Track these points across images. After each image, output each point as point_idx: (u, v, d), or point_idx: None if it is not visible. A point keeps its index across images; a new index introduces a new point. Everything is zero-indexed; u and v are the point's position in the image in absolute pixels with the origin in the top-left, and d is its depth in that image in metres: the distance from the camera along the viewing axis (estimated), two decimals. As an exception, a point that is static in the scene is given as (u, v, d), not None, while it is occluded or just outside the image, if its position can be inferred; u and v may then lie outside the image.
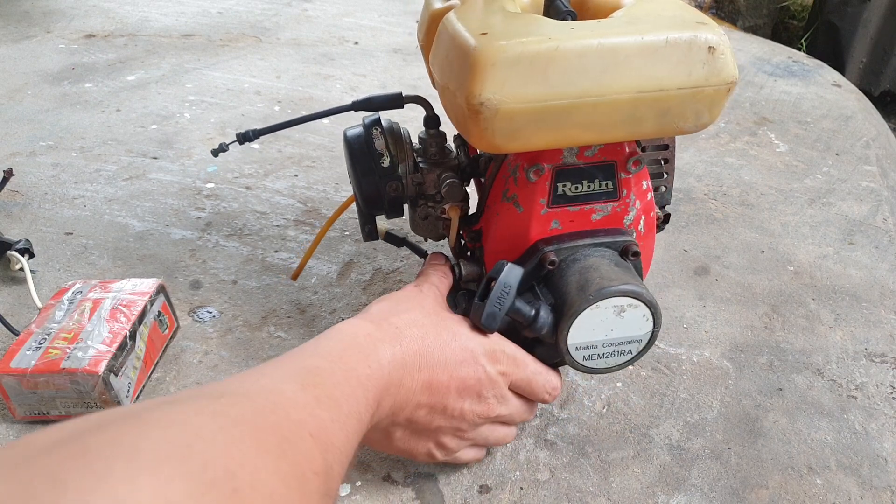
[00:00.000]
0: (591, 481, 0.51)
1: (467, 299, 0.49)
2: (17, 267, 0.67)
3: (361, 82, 1.16)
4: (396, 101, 0.52)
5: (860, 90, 1.26)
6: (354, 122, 0.54)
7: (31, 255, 0.68)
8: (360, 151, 0.51)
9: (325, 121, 1.03)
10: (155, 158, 0.91)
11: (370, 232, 0.56)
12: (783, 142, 1.02)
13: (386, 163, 0.51)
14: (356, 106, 0.52)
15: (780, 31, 2.44)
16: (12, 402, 0.52)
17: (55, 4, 1.46)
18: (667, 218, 0.55)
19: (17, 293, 0.66)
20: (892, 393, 0.59)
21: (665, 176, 0.55)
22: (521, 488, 0.50)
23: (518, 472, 0.51)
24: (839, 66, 1.94)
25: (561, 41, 0.38)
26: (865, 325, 0.67)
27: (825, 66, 1.33)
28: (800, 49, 2.10)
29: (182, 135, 0.97)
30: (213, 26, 1.39)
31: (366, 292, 0.69)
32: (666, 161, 0.54)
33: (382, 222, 0.58)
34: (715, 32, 0.40)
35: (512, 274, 0.44)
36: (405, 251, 0.74)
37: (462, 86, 0.39)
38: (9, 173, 0.74)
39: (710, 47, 0.39)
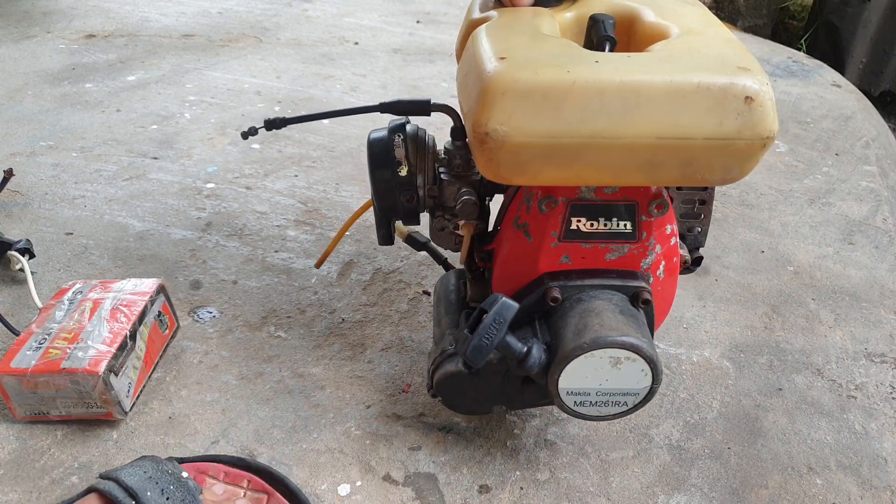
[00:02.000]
0: (591, 481, 0.51)
1: (468, 320, 0.47)
2: (18, 267, 0.67)
3: (361, 82, 1.16)
4: (424, 107, 0.51)
5: (860, 90, 1.26)
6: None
7: (32, 256, 0.68)
8: (379, 157, 0.50)
9: (325, 121, 1.03)
10: (155, 158, 0.91)
11: (384, 236, 0.54)
12: (783, 142, 1.02)
13: (403, 172, 0.49)
14: (383, 108, 0.51)
15: (780, 31, 2.44)
16: (12, 402, 0.52)
17: (55, 4, 1.46)
18: (697, 261, 0.52)
19: (17, 293, 0.66)
20: (891, 393, 0.59)
21: (701, 217, 0.52)
22: (521, 488, 0.50)
23: (518, 472, 0.51)
24: (839, 66, 1.94)
25: (580, 75, 0.36)
26: (865, 325, 0.67)
27: (825, 66, 1.33)
28: (800, 49, 2.10)
29: (182, 135, 0.97)
30: (213, 26, 1.39)
31: (366, 292, 0.69)
32: (703, 202, 0.51)
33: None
34: (757, 80, 0.36)
35: (505, 308, 0.41)
36: (405, 251, 0.74)
37: (471, 110, 0.38)
38: (9, 173, 0.75)
39: (747, 97, 0.36)
